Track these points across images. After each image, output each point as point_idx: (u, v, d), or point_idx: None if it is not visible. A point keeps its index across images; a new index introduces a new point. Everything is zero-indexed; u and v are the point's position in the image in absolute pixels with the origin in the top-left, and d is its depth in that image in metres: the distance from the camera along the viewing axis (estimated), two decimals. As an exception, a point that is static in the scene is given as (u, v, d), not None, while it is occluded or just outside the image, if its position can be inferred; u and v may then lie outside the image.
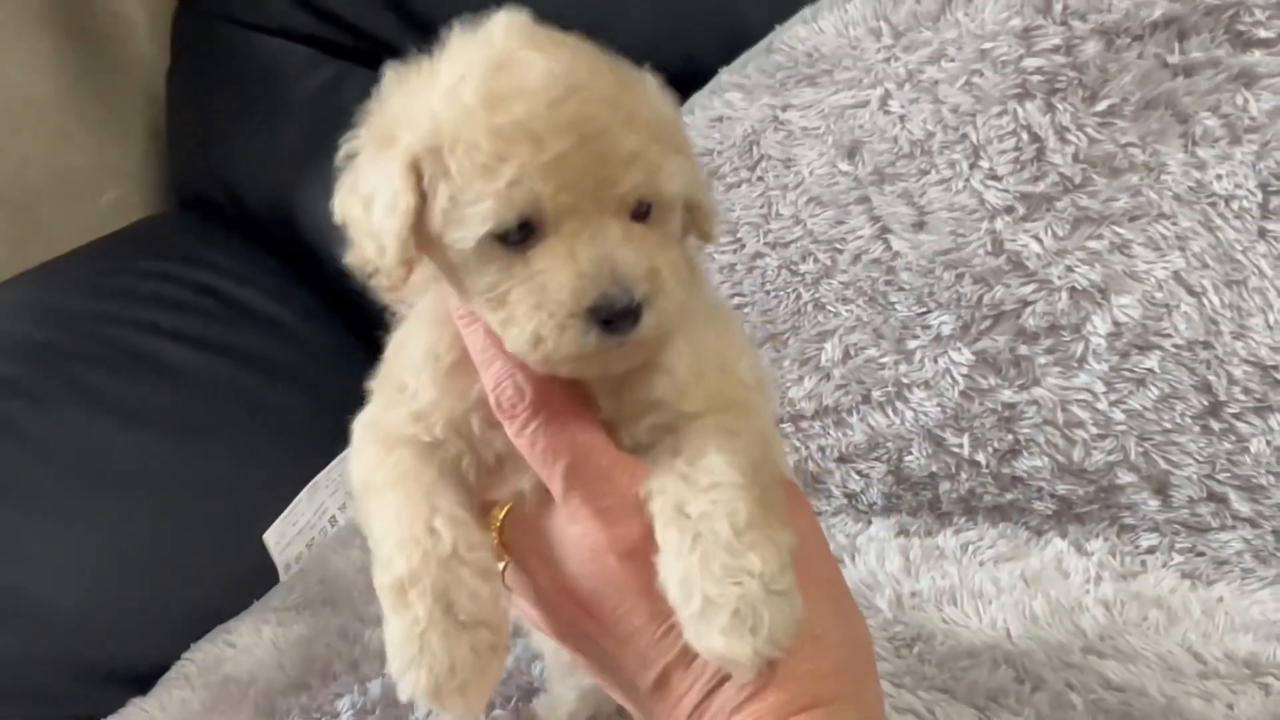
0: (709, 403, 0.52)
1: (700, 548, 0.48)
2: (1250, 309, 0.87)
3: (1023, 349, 0.91)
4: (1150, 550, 0.91)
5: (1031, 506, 0.94)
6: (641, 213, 0.50)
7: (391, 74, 0.53)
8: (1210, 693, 0.76)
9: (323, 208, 1.21)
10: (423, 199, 0.49)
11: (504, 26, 0.51)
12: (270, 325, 1.15)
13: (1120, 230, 0.89)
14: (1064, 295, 0.90)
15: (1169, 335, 0.88)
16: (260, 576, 0.98)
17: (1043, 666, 0.78)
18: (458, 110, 0.48)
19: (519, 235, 0.48)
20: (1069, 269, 0.89)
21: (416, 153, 0.49)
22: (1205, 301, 0.87)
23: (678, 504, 0.49)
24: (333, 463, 1.06)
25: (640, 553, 0.50)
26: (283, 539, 0.99)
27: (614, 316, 0.47)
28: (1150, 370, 0.88)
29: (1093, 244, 0.89)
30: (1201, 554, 0.90)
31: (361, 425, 0.56)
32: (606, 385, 0.53)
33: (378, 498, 0.53)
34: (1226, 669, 0.78)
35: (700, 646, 0.48)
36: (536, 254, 0.48)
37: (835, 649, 0.51)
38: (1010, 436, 0.92)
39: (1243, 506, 0.88)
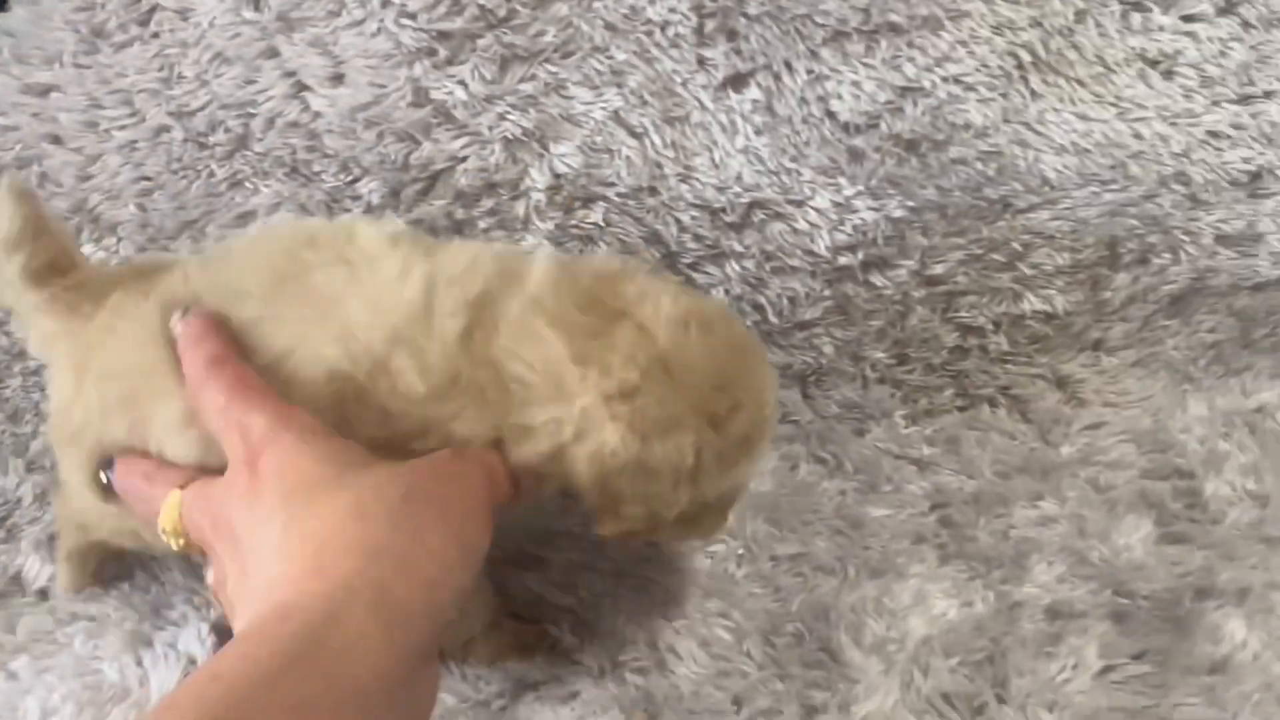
0: None
1: None
2: (694, 147, 0.79)
3: (461, 213, 0.79)
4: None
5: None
6: None
7: None
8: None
9: None
10: None
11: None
12: None
13: (553, 68, 0.78)
14: (498, 147, 0.79)
15: (613, 184, 0.79)
16: None
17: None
18: None
19: None
20: (501, 116, 0.78)
21: None
22: (647, 142, 0.79)
23: None
24: None
25: None
26: None
27: None
28: (596, 225, 0.79)
29: (525, 86, 0.78)
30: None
31: None
32: None
33: None
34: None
35: None
36: None
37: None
38: (465, 313, 0.81)
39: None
